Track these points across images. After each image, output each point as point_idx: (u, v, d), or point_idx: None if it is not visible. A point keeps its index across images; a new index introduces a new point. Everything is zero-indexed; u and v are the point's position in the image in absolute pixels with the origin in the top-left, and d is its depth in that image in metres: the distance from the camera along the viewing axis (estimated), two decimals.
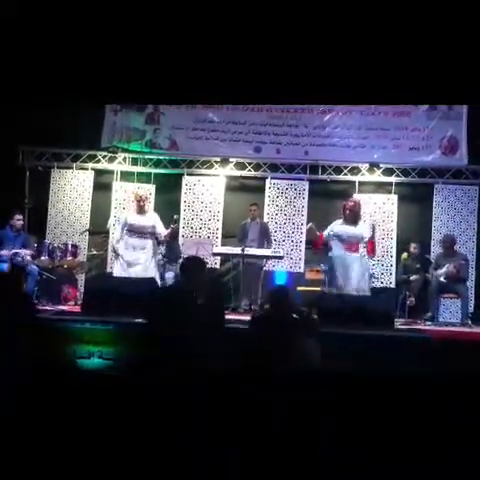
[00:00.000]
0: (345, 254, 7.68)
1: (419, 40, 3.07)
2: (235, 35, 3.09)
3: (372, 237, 7.79)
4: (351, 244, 7.71)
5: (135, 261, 7.94)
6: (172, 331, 4.06)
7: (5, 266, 7.89)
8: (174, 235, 8.73)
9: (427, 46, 3.08)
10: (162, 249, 8.62)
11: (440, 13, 2.99)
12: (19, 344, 2.06)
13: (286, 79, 3.20)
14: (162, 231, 8.12)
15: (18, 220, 8.36)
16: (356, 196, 9.43)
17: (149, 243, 8.05)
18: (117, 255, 8.08)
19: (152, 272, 8.02)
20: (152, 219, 8.15)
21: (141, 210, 8.10)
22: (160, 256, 8.66)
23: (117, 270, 8.06)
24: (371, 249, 7.86)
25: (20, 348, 2.06)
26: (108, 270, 9.53)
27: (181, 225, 9.66)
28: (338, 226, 7.77)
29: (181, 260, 8.73)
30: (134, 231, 8.00)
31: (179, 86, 3.27)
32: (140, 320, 5.46)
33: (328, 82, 3.22)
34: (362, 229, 7.79)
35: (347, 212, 7.78)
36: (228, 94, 3.39)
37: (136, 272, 7.86)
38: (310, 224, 8.08)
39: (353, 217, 7.77)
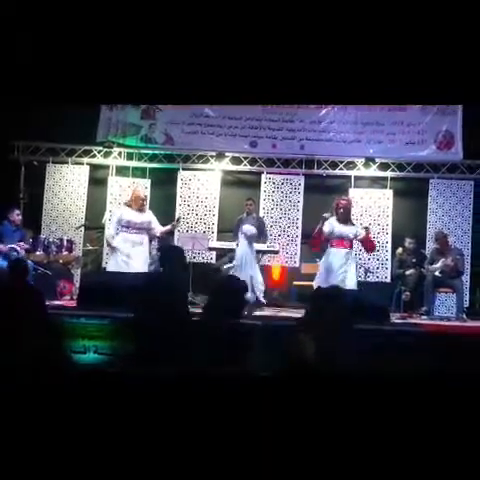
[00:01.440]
0: (336, 251, 7.78)
1: (416, 40, 3.07)
2: (233, 35, 3.09)
3: (367, 237, 7.95)
4: (342, 241, 7.81)
5: (134, 255, 8.00)
6: (155, 323, 4.03)
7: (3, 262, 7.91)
8: (171, 233, 8.81)
9: (424, 46, 3.09)
10: (154, 244, 8.70)
11: (438, 13, 3.00)
12: (33, 341, 2.06)
13: (283, 79, 3.20)
14: (158, 227, 8.24)
15: (17, 215, 8.45)
16: (352, 191, 9.46)
17: (145, 238, 8.16)
18: (113, 250, 8.11)
19: (147, 267, 8.14)
20: (148, 216, 8.24)
21: (141, 209, 8.17)
22: (154, 251, 8.71)
23: (113, 265, 8.08)
24: (370, 247, 8.08)
25: (34, 345, 2.06)
26: (104, 265, 9.53)
27: (181, 220, 9.66)
28: (333, 224, 7.83)
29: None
30: (132, 227, 8.07)
31: (177, 86, 3.27)
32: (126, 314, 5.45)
33: (326, 82, 3.22)
34: (354, 228, 7.91)
35: (340, 211, 7.84)
36: (226, 94, 3.38)
37: (135, 266, 7.91)
38: (327, 214, 8.02)
39: (346, 216, 7.87)
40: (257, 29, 3.06)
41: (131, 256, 7.99)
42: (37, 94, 3.33)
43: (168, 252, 4.87)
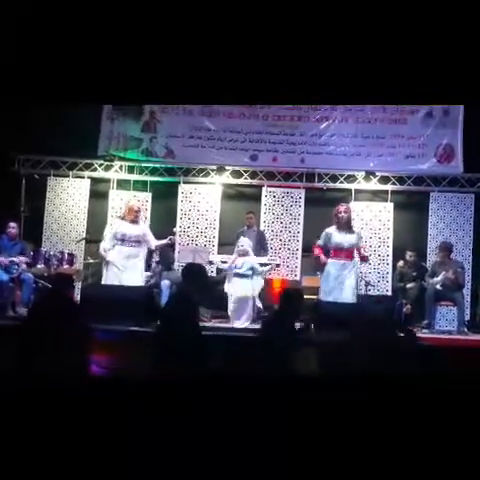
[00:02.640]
0: (333, 262, 7.72)
1: (416, 40, 3.08)
2: (233, 34, 3.10)
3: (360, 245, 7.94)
4: (340, 252, 7.73)
5: (128, 268, 7.93)
6: (174, 338, 4.06)
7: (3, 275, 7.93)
8: (170, 246, 8.75)
9: (424, 46, 3.10)
10: (155, 257, 8.68)
11: (438, 13, 3.01)
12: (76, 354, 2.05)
13: (284, 78, 3.21)
14: (152, 240, 8.16)
15: (12, 228, 8.32)
16: (352, 204, 9.46)
17: (141, 251, 8.08)
18: (107, 263, 8.03)
19: (143, 280, 8.09)
20: (143, 228, 8.18)
21: (135, 221, 8.09)
22: (154, 264, 8.70)
23: (108, 278, 8.03)
24: (363, 257, 8.00)
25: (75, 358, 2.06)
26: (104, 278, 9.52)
27: (177, 233, 9.67)
28: (333, 234, 7.77)
29: (175, 265, 8.81)
30: (127, 240, 7.97)
31: (177, 86, 3.28)
32: (149, 329, 5.45)
33: (326, 82, 3.23)
34: (353, 236, 7.83)
35: (340, 216, 7.77)
36: (227, 94, 3.38)
37: (128, 279, 7.84)
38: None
39: (346, 222, 7.79)
40: (257, 28, 3.07)
41: (125, 268, 7.91)
42: (35, 93, 3.33)
43: (189, 270, 4.91)
